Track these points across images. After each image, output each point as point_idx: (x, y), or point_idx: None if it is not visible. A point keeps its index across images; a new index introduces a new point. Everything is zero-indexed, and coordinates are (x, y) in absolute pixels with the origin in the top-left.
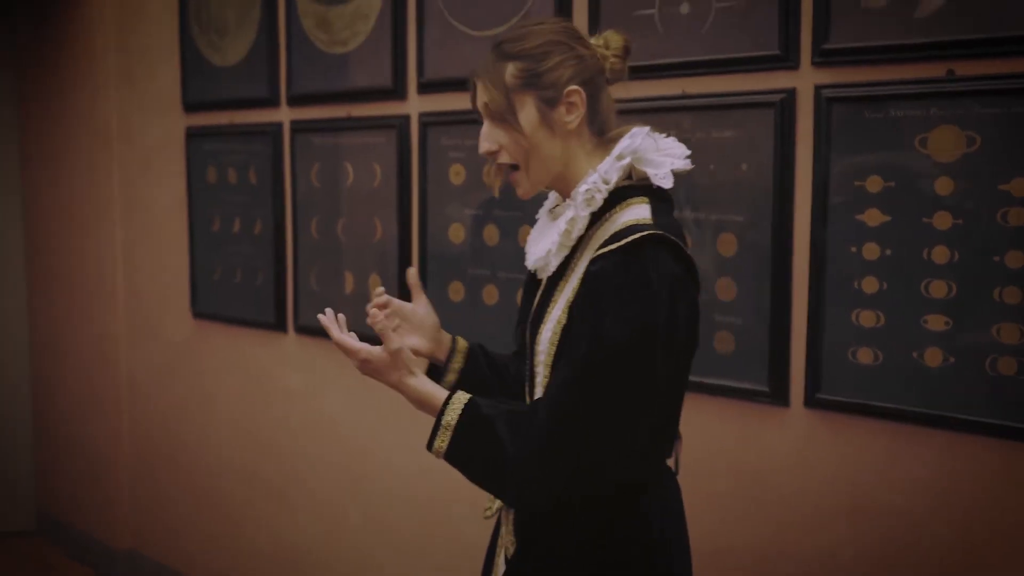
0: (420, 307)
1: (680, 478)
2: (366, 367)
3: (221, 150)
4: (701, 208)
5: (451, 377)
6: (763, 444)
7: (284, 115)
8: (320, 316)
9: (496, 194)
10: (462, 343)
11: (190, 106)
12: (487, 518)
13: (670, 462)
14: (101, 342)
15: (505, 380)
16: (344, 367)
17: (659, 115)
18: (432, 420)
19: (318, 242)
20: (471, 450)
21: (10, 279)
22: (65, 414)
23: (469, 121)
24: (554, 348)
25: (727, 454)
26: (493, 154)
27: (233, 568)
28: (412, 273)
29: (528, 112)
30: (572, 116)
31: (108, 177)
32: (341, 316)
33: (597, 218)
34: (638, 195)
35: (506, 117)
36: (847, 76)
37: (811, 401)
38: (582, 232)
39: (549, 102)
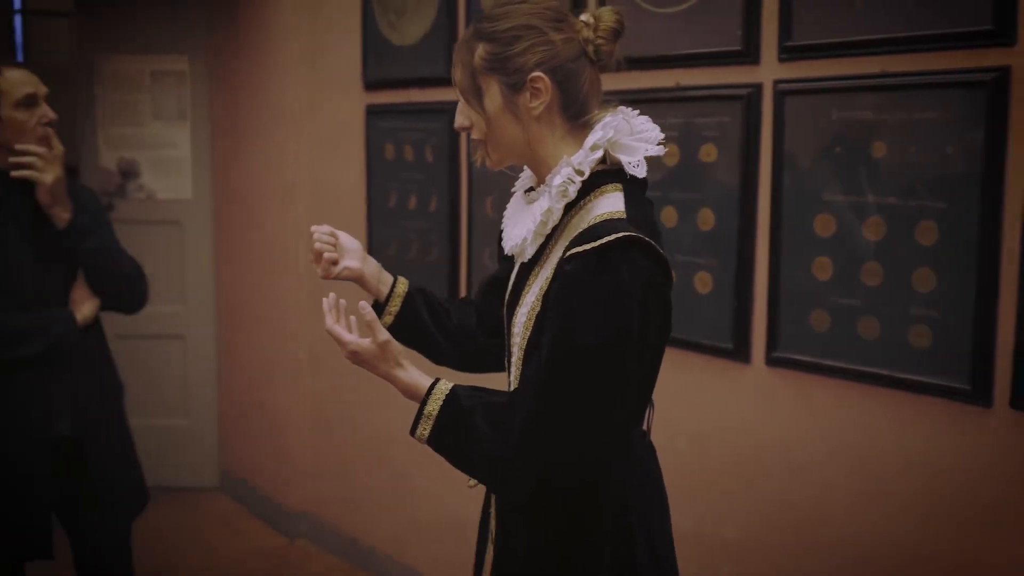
0: (342, 235)
1: (871, 481)
2: (355, 358)
3: (399, 128)
4: (896, 193)
5: (387, 319)
6: (961, 446)
7: None
8: (323, 300)
9: (478, 164)
10: (401, 287)
11: (370, 84)
12: (471, 487)
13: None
14: (283, 312)
15: (444, 326)
16: None
17: (853, 94)
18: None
19: (493, 219)
20: (451, 439)
21: (200, 250)
22: (248, 380)
23: (648, 100)
24: (528, 332)
25: (920, 454)
26: (466, 129)
27: (403, 535)
28: (314, 229)
29: (492, 95)
30: (536, 102)
31: (292, 154)
32: (342, 301)
33: (572, 205)
34: (612, 181)
35: (469, 98)
36: None
37: (1018, 402)
38: (556, 222)
39: (513, 87)
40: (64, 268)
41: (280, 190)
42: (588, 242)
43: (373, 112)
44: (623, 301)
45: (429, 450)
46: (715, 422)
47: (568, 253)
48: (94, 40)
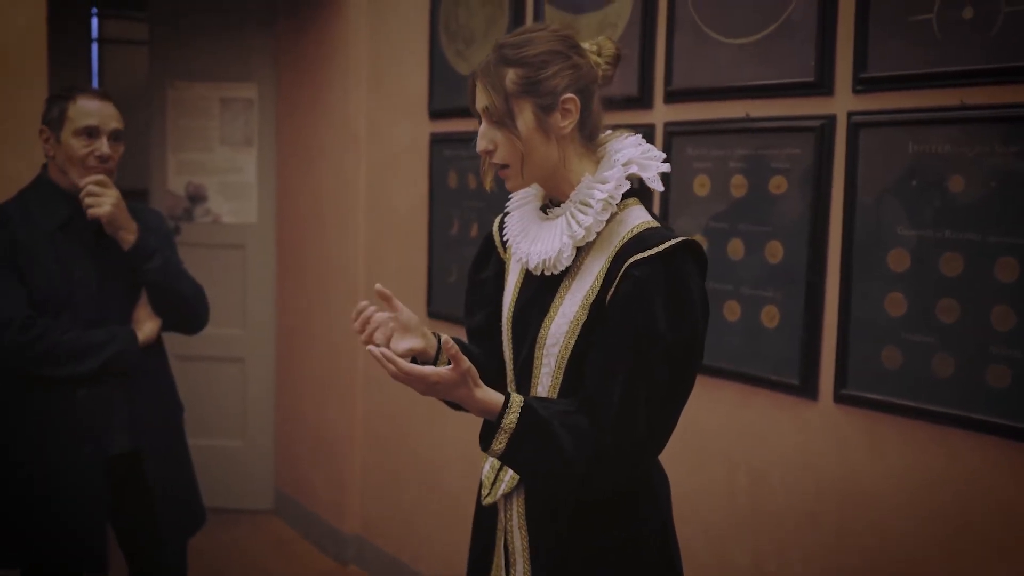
0: (402, 312)
1: (938, 525)
2: (435, 388)
3: (463, 156)
4: (974, 229)
5: None
6: None
7: None
8: (371, 350)
9: (488, 188)
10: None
11: (435, 113)
12: (487, 504)
13: None
14: (341, 334)
15: (483, 370)
16: None
17: (931, 127)
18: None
19: None
20: (528, 450)
21: (262, 273)
22: (304, 401)
23: (717, 131)
24: (572, 342)
25: (996, 499)
26: (489, 153)
27: (454, 561)
28: (379, 287)
29: (525, 117)
30: (566, 122)
31: (356, 177)
32: (387, 351)
33: None
34: (631, 195)
35: (504, 121)
36: None
37: None
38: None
39: (546, 109)
40: (128, 288)
41: (343, 214)
42: (645, 249)
43: (437, 140)
44: (691, 298)
45: (480, 475)
46: (779, 459)
47: (633, 260)
48: (167, 68)
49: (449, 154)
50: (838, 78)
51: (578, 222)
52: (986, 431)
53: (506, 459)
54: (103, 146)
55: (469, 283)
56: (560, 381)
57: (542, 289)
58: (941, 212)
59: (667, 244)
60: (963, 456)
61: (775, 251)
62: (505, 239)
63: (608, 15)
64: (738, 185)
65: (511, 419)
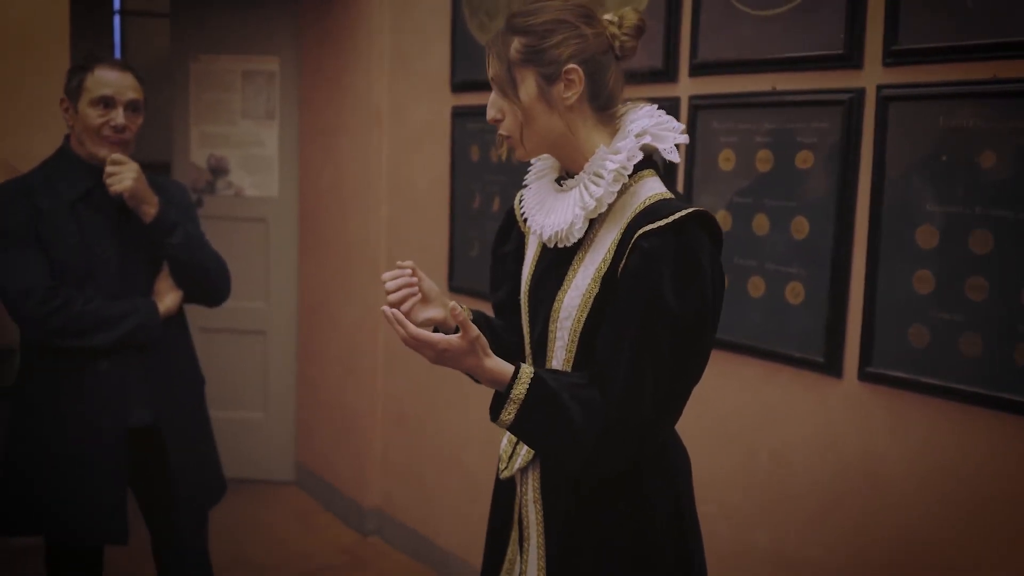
0: (424, 282)
1: (963, 504)
2: (443, 356)
3: (485, 130)
4: (1005, 205)
5: None
6: None
7: None
8: (384, 310)
9: (502, 158)
10: (467, 312)
11: (457, 86)
12: (503, 478)
13: None
14: (362, 310)
15: (503, 344)
16: None
17: (962, 101)
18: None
19: None
20: (537, 421)
21: (284, 248)
22: (325, 376)
23: (743, 104)
24: (584, 315)
25: (1022, 478)
26: (497, 122)
27: (473, 538)
28: (401, 261)
29: (528, 86)
30: (570, 93)
31: (378, 153)
32: (397, 312)
33: None
34: (646, 167)
35: (506, 89)
36: None
37: None
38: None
39: (548, 78)
40: (149, 260)
41: (364, 189)
42: (656, 220)
43: (459, 114)
44: (702, 270)
45: (498, 454)
46: (802, 438)
47: (643, 231)
48: (189, 40)
49: (472, 127)
50: (868, 51)
51: (590, 193)
52: (1013, 411)
53: (515, 430)
54: (119, 116)
55: (493, 258)
56: (574, 355)
57: (556, 262)
58: (971, 188)
59: (677, 215)
60: (988, 435)
61: (801, 227)
62: (523, 213)
63: None
64: (764, 160)
65: (520, 390)
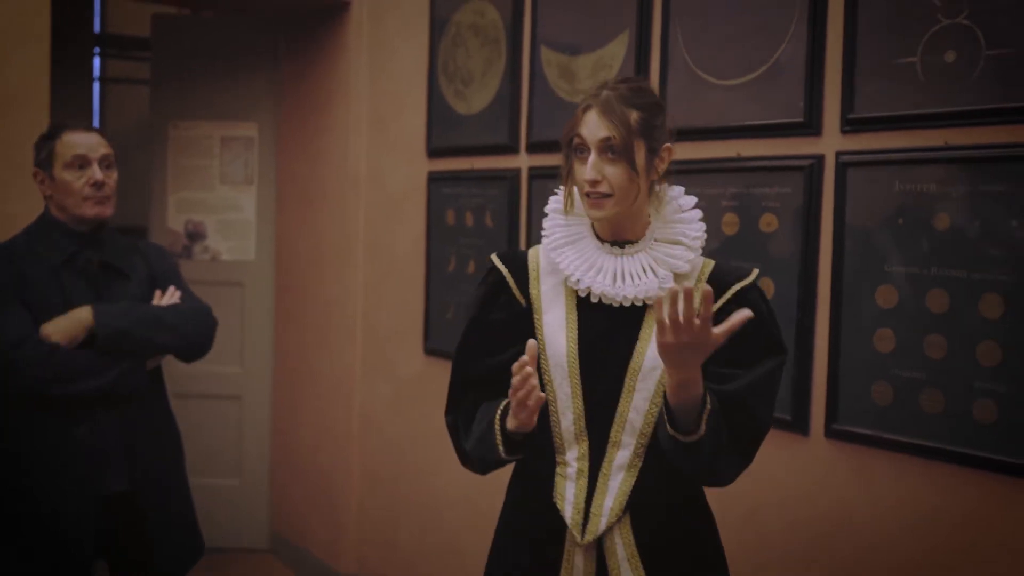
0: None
1: (929, 557)
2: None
3: (460, 194)
4: (959, 266)
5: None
6: None
7: (523, 161)
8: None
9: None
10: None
11: (433, 152)
12: (586, 542)
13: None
14: (338, 374)
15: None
16: None
17: (916, 167)
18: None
19: None
20: (708, 438)
21: (260, 311)
22: (301, 440)
23: (709, 170)
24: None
25: (984, 532)
26: (596, 183)
27: None
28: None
29: (639, 156)
30: (662, 167)
31: (355, 217)
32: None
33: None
34: None
35: (625, 155)
36: None
37: None
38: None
39: (652, 152)
40: None
41: (342, 253)
42: (734, 275)
43: (435, 178)
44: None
45: (480, 514)
46: (772, 493)
47: (740, 286)
48: (168, 106)
49: (447, 192)
50: (826, 119)
51: (674, 255)
52: (973, 465)
53: (696, 445)
54: (95, 173)
55: (476, 326)
56: (661, 399)
57: (618, 320)
58: (927, 249)
59: (752, 271)
60: (954, 490)
61: (766, 287)
62: (573, 278)
63: (603, 57)
64: (730, 223)
65: (712, 407)
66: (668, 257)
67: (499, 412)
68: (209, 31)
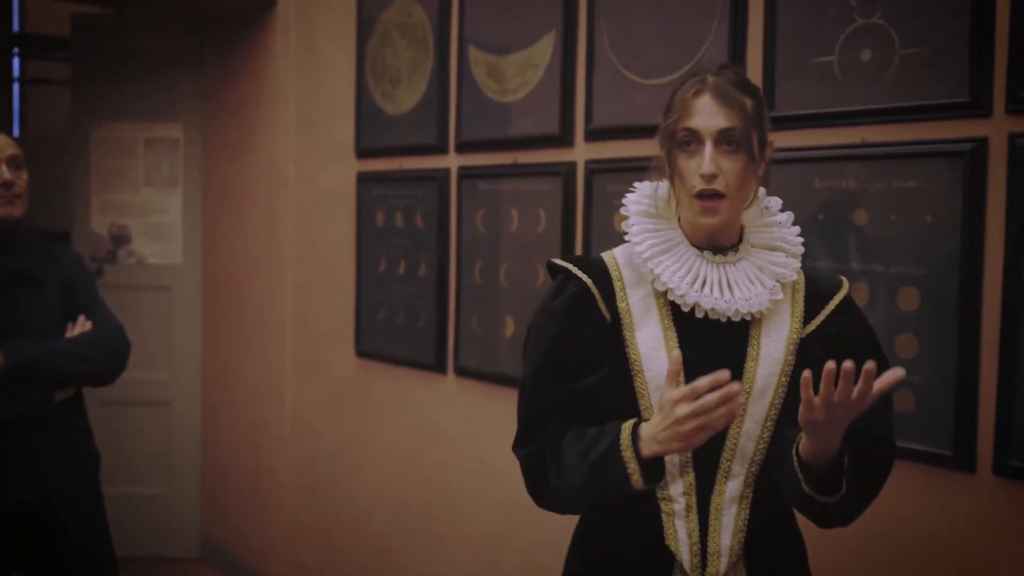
0: None
1: (857, 542)
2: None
3: (389, 195)
4: (878, 260)
5: None
6: (944, 513)
7: (452, 161)
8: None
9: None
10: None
11: (363, 152)
12: None
13: None
14: (269, 377)
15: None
16: (504, 411)
17: (835, 164)
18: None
19: (481, 286)
20: (851, 494)
21: (188, 315)
22: (232, 445)
23: (636, 168)
24: (785, 382)
25: (902, 520)
26: (713, 178)
27: None
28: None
29: (753, 147)
30: (765, 163)
31: (284, 219)
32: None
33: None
34: None
35: (744, 147)
36: None
37: (1001, 469)
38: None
39: (762, 144)
40: (45, 331)
41: (271, 254)
42: (831, 285)
43: (364, 179)
44: None
45: (411, 516)
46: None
47: (840, 299)
48: (90, 108)
49: (377, 192)
50: None
51: (777, 263)
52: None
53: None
54: (3, 172)
55: (560, 344)
56: (774, 423)
57: (721, 336)
58: (847, 245)
59: (844, 281)
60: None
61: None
62: (678, 292)
63: (531, 56)
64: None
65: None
66: (772, 265)
67: (628, 436)
68: (131, 31)
